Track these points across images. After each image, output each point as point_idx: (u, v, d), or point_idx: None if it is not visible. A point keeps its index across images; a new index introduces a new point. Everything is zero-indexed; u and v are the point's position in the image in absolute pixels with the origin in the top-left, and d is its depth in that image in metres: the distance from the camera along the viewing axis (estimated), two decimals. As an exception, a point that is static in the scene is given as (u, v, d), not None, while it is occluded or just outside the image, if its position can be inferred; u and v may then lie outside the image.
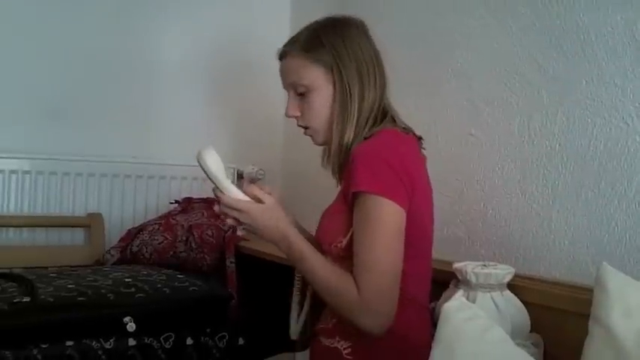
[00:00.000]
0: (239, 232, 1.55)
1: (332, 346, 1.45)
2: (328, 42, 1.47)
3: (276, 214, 1.41)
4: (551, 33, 1.73)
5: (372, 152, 1.38)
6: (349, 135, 1.45)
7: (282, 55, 1.53)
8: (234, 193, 1.39)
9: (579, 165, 1.65)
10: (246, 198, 1.40)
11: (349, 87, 1.46)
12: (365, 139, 1.44)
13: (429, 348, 1.12)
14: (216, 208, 1.42)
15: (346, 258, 1.40)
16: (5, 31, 2.43)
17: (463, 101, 2.00)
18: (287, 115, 1.54)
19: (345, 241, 1.41)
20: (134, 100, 2.67)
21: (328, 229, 1.47)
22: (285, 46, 1.54)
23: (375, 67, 1.50)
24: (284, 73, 1.53)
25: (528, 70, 1.79)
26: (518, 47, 1.82)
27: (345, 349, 1.43)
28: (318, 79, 1.47)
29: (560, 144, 1.70)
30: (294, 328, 1.61)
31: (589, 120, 1.63)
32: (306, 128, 1.53)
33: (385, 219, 1.34)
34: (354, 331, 1.40)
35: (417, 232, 1.43)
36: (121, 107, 2.64)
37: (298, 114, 1.52)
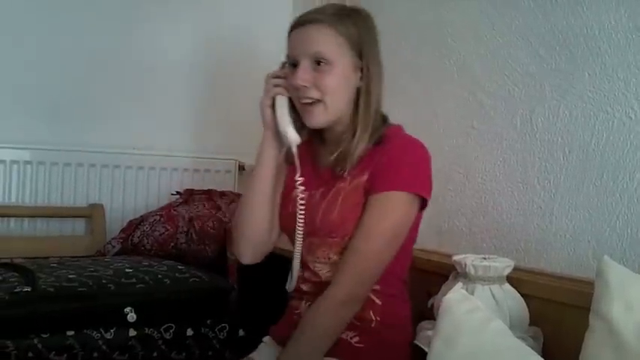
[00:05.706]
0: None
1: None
2: (358, 23, 1.42)
3: None
4: (554, 25, 1.73)
5: (413, 152, 1.42)
6: (369, 125, 1.42)
7: (309, 21, 1.40)
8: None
9: (581, 158, 1.65)
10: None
11: (373, 74, 1.43)
12: (382, 135, 1.43)
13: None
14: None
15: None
16: (6, 25, 2.42)
17: (465, 94, 1.99)
18: (298, 83, 1.39)
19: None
20: (135, 92, 2.67)
21: (348, 219, 1.42)
22: (312, 13, 1.43)
23: (381, 62, 1.48)
24: (305, 40, 1.40)
25: (531, 63, 1.79)
26: (521, 40, 1.82)
27: (352, 338, 1.43)
28: (344, 56, 1.39)
29: (562, 137, 1.69)
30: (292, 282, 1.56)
31: (591, 113, 1.63)
32: (315, 101, 1.41)
33: (404, 217, 1.40)
34: (357, 321, 1.41)
35: (417, 223, 1.49)
36: (122, 98, 2.64)
37: (309, 85, 1.39)
